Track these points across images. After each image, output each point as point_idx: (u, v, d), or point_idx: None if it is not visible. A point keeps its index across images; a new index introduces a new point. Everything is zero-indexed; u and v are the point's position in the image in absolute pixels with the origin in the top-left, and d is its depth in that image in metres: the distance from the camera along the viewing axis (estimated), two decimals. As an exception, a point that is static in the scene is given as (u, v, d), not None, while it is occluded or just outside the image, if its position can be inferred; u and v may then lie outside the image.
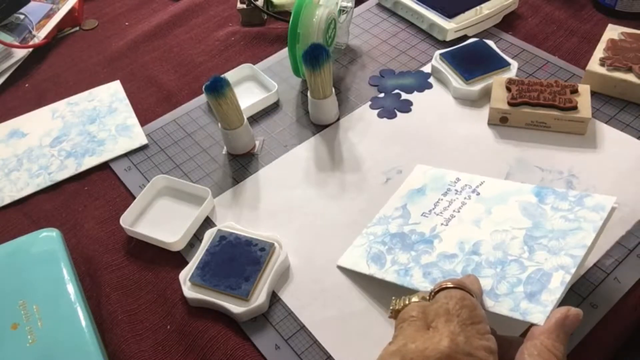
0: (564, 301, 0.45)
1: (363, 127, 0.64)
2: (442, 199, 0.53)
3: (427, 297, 0.38)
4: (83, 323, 0.47)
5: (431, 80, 0.69)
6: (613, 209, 0.46)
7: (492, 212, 0.50)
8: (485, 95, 0.65)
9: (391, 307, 0.39)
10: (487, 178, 0.53)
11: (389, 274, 0.48)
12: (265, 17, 0.82)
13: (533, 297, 0.42)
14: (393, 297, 0.39)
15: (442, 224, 0.51)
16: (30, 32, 0.82)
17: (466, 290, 0.37)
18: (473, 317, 0.35)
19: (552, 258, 0.44)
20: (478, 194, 0.52)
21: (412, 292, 0.42)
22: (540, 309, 0.41)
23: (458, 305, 0.35)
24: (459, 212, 0.51)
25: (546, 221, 0.47)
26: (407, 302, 0.38)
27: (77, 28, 0.87)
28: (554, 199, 0.48)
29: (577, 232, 0.45)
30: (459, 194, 0.53)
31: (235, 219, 0.56)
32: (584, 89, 0.60)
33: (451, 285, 0.37)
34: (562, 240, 0.45)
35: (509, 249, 0.46)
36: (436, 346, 0.33)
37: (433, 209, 0.52)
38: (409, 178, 0.57)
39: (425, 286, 0.46)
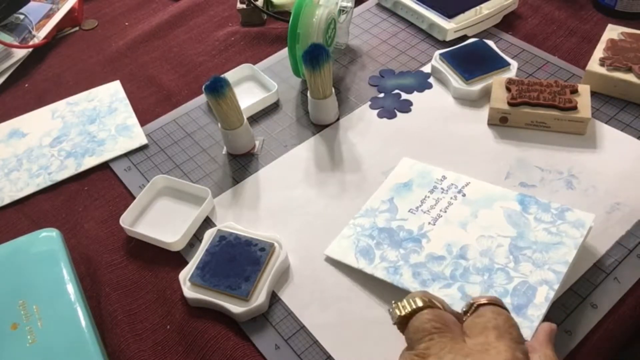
0: (565, 301, 0.45)
1: (363, 127, 0.64)
2: (428, 196, 0.54)
3: (440, 306, 0.36)
4: (83, 323, 0.47)
5: (431, 80, 0.69)
6: (590, 228, 0.49)
7: (478, 216, 0.52)
8: (485, 95, 0.65)
9: (398, 313, 0.36)
10: (472, 179, 0.55)
11: (378, 270, 0.49)
12: (265, 17, 0.82)
13: (520, 311, 0.44)
14: (393, 302, 0.37)
15: (429, 222, 0.52)
16: (30, 32, 0.82)
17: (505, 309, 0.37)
18: (519, 337, 0.34)
19: (536, 271, 0.47)
20: (464, 195, 0.54)
21: (405, 292, 0.42)
22: (527, 324, 0.43)
23: (507, 323, 0.35)
24: (445, 212, 0.52)
25: (530, 232, 0.49)
26: (414, 307, 0.35)
27: (77, 28, 0.87)
28: (536, 209, 0.51)
29: (560, 248, 0.48)
30: (445, 192, 0.54)
31: (235, 219, 0.56)
32: (584, 89, 0.60)
33: (486, 302, 0.36)
34: (545, 253, 0.48)
35: (495, 257, 0.48)
36: (497, 358, 0.32)
37: (420, 206, 0.54)
38: (394, 171, 0.58)
39: (415, 287, 0.47)
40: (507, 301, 0.45)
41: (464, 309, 0.37)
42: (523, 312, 0.44)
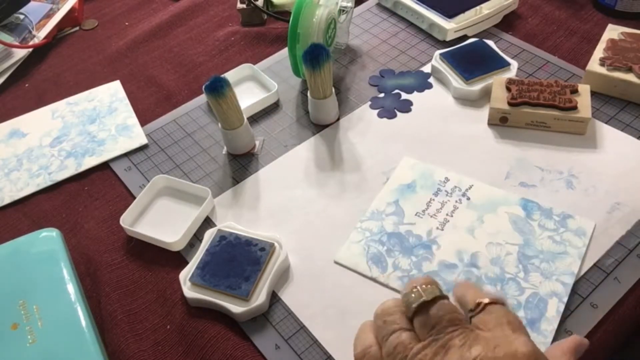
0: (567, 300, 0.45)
1: (363, 127, 0.64)
2: (433, 199, 0.55)
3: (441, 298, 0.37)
4: (83, 323, 0.47)
5: (431, 80, 0.69)
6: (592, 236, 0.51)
7: (484, 221, 0.53)
8: (485, 95, 0.65)
9: (422, 298, 0.35)
10: (475, 181, 0.56)
11: (392, 281, 0.49)
12: (265, 17, 0.82)
13: (534, 325, 0.45)
14: (412, 287, 0.36)
15: (437, 227, 0.53)
16: (30, 32, 0.82)
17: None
18: (528, 334, 0.35)
19: (545, 282, 0.48)
20: (468, 198, 0.55)
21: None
22: (541, 340, 0.44)
23: (517, 320, 0.36)
24: (452, 216, 0.53)
25: (535, 239, 0.51)
26: (434, 294, 0.35)
27: (77, 28, 0.87)
28: (539, 215, 0.53)
29: (565, 258, 0.49)
30: (449, 195, 0.55)
31: (235, 219, 0.56)
32: (584, 89, 0.60)
33: (490, 301, 0.37)
34: (552, 263, 0.49)
35: (505, 266, 0.49)
36: (522, 349, 0.33)
37: (426, 209, 0.54)
38: (396, 171, 0.58)
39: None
40: (520, 315, 0.46)
41: (471, 307, 0.37)
42: (537, 326, 0.45)
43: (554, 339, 0.45)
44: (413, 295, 0.36)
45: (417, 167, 0.58)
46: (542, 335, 0.45)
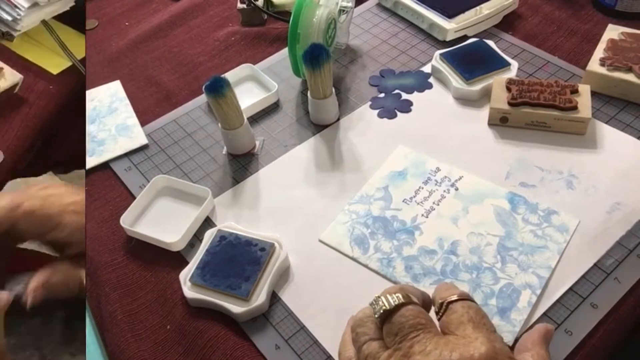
0: (565, 301, 0.45)
1: (363, 127, 0.64)
2: (422, 187, 0.56)
3: (417, 301, 0.38)
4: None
5: (431, 80, 0.69)
6: (574, 233, 0.51)
7: (469, 212, 0.53)
8: (485, 95, 0.65)
9: (384, 307, 0.37)
10: (465, 173, 0.57)
11: (372, 262, 0.51)
12: (265, 17, 0.82)
13: (504, 314, 0.46)
14: (377, 296, 0.38)
15: (422, 215, 0.54)
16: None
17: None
18: (492, 326, 0.37)
19: (521, 274, 0.48)
20: (457, 189, 0.55)
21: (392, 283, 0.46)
22: (509, 328, 0.45)
23: (479, 314, 0.37)
24: (438, 205, 0.54)
25: (517, 232, 0.51)
26: (398, 302, 0.37)
27: (77, 28, 0.87)
28: (525, 210, 0.53)
29: (544, 251, 0.50)
30: (438, 185, 0.56)
31: (236, 219, 0.56)
32: (584, 89, 0.60)
33: (457, 298, 0.38)
34: (530, 256, 0.49)
35: (484, 256, 0.50)
36: (479, 350, 0.33)
37: (414, 196, 0.55)
38: (390, 158, 0.59)
39: (407, 281, 0.49)
40: (492, 303, 0.47)
41: (436, 310, 0.39)
42: (507, 315, 0.46)
43: (523, 329, 0.45)
44: (379, 304, 0.37)
45: (410, 156, 0.59)
46: (511, 324, 0.45)
